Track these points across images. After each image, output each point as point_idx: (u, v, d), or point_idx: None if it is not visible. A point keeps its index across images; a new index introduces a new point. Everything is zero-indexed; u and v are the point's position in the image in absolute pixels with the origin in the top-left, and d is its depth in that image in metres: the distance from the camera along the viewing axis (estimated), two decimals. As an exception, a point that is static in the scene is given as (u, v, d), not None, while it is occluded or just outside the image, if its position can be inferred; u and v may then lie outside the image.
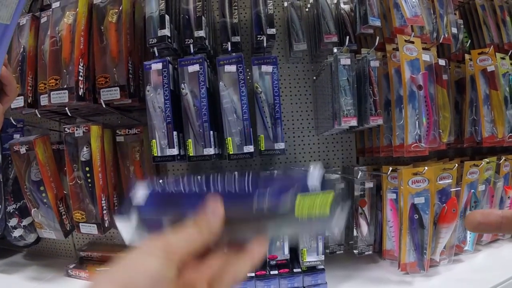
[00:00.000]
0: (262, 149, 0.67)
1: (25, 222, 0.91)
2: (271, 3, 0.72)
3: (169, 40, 0.71)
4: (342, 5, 0.80)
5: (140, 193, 0.31)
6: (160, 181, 0.32)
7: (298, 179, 0.29)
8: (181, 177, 0.33)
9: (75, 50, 0.77)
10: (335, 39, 0.76)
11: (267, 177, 0.31)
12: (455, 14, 0.95)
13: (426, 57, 0.77)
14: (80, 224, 0.82)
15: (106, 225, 0.81)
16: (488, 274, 0.77)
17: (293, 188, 0.28)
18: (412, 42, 0.75)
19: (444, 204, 0.77)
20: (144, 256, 0.25)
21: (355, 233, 0.81)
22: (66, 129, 0.81)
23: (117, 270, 0.25)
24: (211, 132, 0.66)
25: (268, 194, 0.28)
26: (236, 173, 0.31)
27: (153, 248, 0.26)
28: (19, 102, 0.83)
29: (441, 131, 0.79)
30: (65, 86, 0.77)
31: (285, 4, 0.81)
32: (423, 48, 0.77)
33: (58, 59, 0.79)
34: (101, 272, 0.59)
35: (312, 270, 0.72)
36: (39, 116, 0.84)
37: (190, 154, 0.67)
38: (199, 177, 0.32)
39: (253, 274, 0.72)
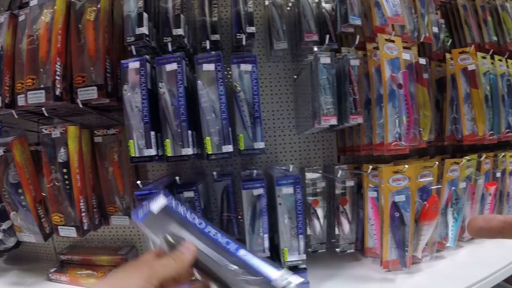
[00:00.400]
0: (241, 148, 0.66)
1: (4, 226, 0.88)
2: (251, 2, 0.71)
3: (147, 38, 0.70)
4: (323, 4, 0.80)
5: (160, 202, 0.39)
6: (177, 202, 0.40)
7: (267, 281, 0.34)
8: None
9: (52, 48, 0.75)
10: (315, 37, 0.76)
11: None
12: (436, 13, 0.96)
13: (406, 56, 0.77)
14: (59, 227, 0.80)
15: (85, 228, 0.79)
16: (470, 270, 0.78)
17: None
18: (393, 41, 0.75)
19: (425, 202, 0.77)
20: (131, 274, 0.34)
21: (337, 232, 0.81)
22: (43, 130, 0.79)
23: (108, 283, 0.33)
24: (190, 131, 0.65)
25: (241, 273, 0.35)
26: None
27: (138, 268, 0.34)
28: (-4, 102, 0.81)
29: (421, 129, 0.80)
30: (42, 86, 0.75)
31: (266, 2, 0.81)
32: (404, 47, 0.78)
33: (35, 58, 0.77)
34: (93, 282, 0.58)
35: (293, 269, 0.72)
36: (16, 116, 0.82)
37: (168, 155, 0.66)
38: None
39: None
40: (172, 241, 0.37)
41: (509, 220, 0.24)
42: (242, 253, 0.36)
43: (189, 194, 0.65)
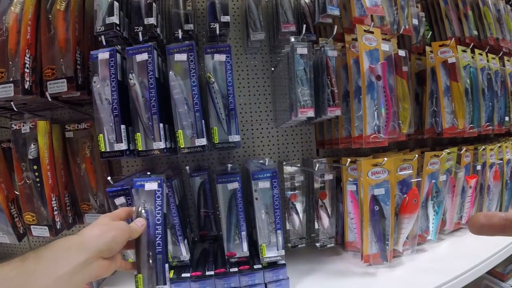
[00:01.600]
0: (216, 142, 0.65)
1: (-23, 226, 0.85)
2: (227, -9, 0.69)
3: (118, 28, 0.67)
4: (302, -5, 0.78)
5: (152, 186, 0.56)
6: (162, 195, 0.57)
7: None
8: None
9: (22, 40, 0.72)
10: (293, 28, 0.74)
11: None
12: (417, 7, 0.96)
13: (385, 47, 0.76)
14: (32, 226, 0.77)
15: (58, 227, 0.76)
16: (451, 263, 0.78)
17: None
18: (372, 32, 0.74)
19: (405, 195, 0.77)
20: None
21: (316, 226, 0.80)
22: (13, 126, 0.76)
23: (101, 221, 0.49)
24: (161, 124, 0.63)
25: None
26: None
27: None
28: (-33, 97, 0.77)
29: (400, 122, 0.79)
30: (10, 79, 0.72)
31: (244, -7, 0.79)
32: (383, 39, 0.77)
33: (4, 50, 0.73)
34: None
35: (272, 265, 0.70)
36: (-14, 112, 0.79)
37: (139, 149, 0.63)
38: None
39: (212, 272, 0.70)
40: (141, 211, 0.54)
41: (511, 217, 0.24)
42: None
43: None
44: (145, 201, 0.56)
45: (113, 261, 0.47)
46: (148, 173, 0.60)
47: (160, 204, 0.56)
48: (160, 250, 0.53)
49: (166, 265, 0.54)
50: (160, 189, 0.56)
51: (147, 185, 0.56)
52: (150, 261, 0.53)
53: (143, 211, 0.54)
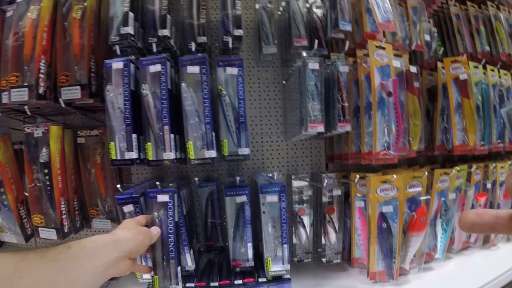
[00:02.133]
0: (225, 154, 0.65)
1: (-14, 225, 0.86)
2: (240, 4, 0.70)
3: (132, 38, 0.68)
4: (314, 9, 0.79)
5: (164, 198, 0.62)
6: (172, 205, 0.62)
7: None
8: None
9: (37, 46, 0.74)
10: (305, 43, 0.74)
11: None
12: (429, 22, 0.95)
13: (397, 63, 0.76)
14: (39, 228, 0.78)
15: (66, 230, 0.77)
16: (459, 282, 0.77)
17: None
18: (383, 48, 0.74)
19: (414, 213, 0.76)
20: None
21: (323, 241, 0.80)
22: (26, 129, 0.77)
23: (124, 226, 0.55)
24: (172, 135, 0.63)
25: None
26: None
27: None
28: (-18, 98, 0.79)
29: (411, 138, 0.78)
30: (25, 84, 0.73)
31: (257, 6, 0.79)
32: (395, 55, 0.77)
33: (20, 55, 0.75)
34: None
35: (277, 279, 0.70)
36: (0, 114, 0.80)
37: (150, 158, 0.64)
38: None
39: (216, 284, 0.70)
40: (155, 220, 0.61)
41: (502, 215, 0.24)
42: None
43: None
44: (158, 209, 0.62)
45: (134, 262, 0.53)
46: (158, 183, 0.61)
47: (171, 214, 0.61)
48: (173, 255, 0.61)
49: (179, 268, 0.61)
50: (171, 200, 0.60)
51: (159, 196, 0.60)
52: (165, 263, 0.60)
53: (156, 220, 0.61)
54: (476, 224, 0.25)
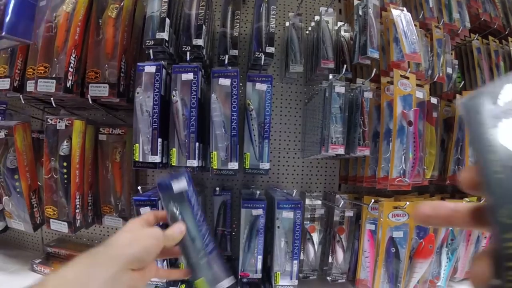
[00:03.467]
0: (246, 167, 0.66)
1: (-4, 208, 0.87)
2: (274, 21, 0.71)
3: (166, 44, 0.70)
4: (342, 33, 0.80)
5: (181, 185, 0.48)
6: (193, 193, 0.49)
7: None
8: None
9: (70, 39, 0.75)
10: (332, 65, 0.76)
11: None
12: (451, 54, 0.97)
13: (419, 94, 0.78)
14: (51, 220, 0.79)
15: (77, 225, 0.78)
16: (458, 311, 0.78)
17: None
18: (407, 78, 0.76)
19: (422, 240, 0.77)
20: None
21: (330, 260, 0.81)
22: (48, 120, 0.78)
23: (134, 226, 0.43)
24: (197, 143, 0.65)
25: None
26: None
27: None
28: (5, 84, 0.80)
29: (425, 167, 0.80)
30: (53, 76, 0.74)
31: (287, 24, 0.81)
32: (417, 85, 0.78)
33: (51, 46, 0.76)
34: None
35: (284, 294, 0.71)
36: (23, 102, 0.81)
37: (173, 164, 0.65)
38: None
39: (223, 293, 0.70)
40: (175, 216, 0.47)
41: (459, 208, 0.22)
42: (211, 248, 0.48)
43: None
44: (177, 204, 0.48)
45: (147, 271, 0.42)
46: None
47: (195, 203, 0.48)
48: (212, 248, 0.47)
49: (222, 260, 0.49)
50: (190, 186, 0.49)
51: (175, 185, 0.48)
52: (205, 261, 0.47)
53: (177, 212, 0.47)
54: (431, 216, 0.23)
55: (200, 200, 0.60)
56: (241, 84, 0.75)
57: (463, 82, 1.00)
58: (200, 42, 0.68)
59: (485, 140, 0.18)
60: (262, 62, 0.67)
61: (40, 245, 0.96)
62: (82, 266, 0.36)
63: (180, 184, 0.48)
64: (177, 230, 0.45)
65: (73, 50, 0.75)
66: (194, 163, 0.64)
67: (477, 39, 1.03)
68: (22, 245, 0.98)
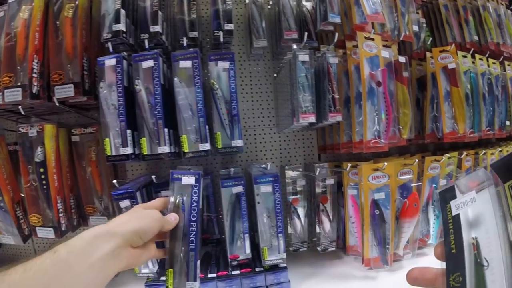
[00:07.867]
0: (219, 146, 0.66)
1: (-18, 227, 0.86)
2: (230, 0, 0.71)
3: (124, 35, 0.69)
4: (304, 2, 0.80)
5: (190, 180, 0.54)
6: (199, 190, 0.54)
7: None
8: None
9: (30, 46, 0.74)
10: (295, 35, 0.76)
11: None
12: (417, 13, 0.97)
13: (385, 54, 0.77)
14: (37, 228, 0.79)
15: (63, 229, 0.78)
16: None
17: None
18: (372, 39, 0.76)
19: (406, 199, 0.78)
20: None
21: (318, 230, 0.81)
22: (20, 129, 0.78)
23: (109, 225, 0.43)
24: (166, 129, 0.64)
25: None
26: None
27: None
28: (-26, 100, 0.79)
29: (401, 127, 0.80)
30: (18, 84, 0.73)
31: (247, 1, 0.80)
32: (383, 46, 0.78)
33: (12, 55, 0.75)
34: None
35: (274, 268, 0.71)
36: (-5, 115, 0.81)
37: (145, 153, 0.65)
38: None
39: (214, 275, 0.71)
40: (177, 204, 0.52)
41: (441, 273, 0.28)
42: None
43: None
44: (182, 194, 0.53)
45: (145, 250, 0.45)
46: (153, 176, 0.61)
47: (196, 200, 0.53)
48: (193, 247, 0.51)
49: (198, 262, 0.52)
50: (197, 184, 0.53)
51: (184, 179, 0.53)
52: (182, 255, 0.51)
53: (181, 203, 0.52)
54: (418, 279, 0.30)
55: (201, 204, 0.60)
56: (207, 67, 0.75)
57: (431, 39, 1.00)
58: (157, 28, 0.68)
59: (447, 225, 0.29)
60: (222, 40, 0.67)
61: (33, 256, 0.96)
62: (87, 238, 0.39)
63: (189, 179, 0.54)
64: (173, 217, 0.51)
65: (35, 56, 0.74)
66: (165, 149, 0.64)
67: (442, -4, 1.02)
68: (16, 259, 0.97)
